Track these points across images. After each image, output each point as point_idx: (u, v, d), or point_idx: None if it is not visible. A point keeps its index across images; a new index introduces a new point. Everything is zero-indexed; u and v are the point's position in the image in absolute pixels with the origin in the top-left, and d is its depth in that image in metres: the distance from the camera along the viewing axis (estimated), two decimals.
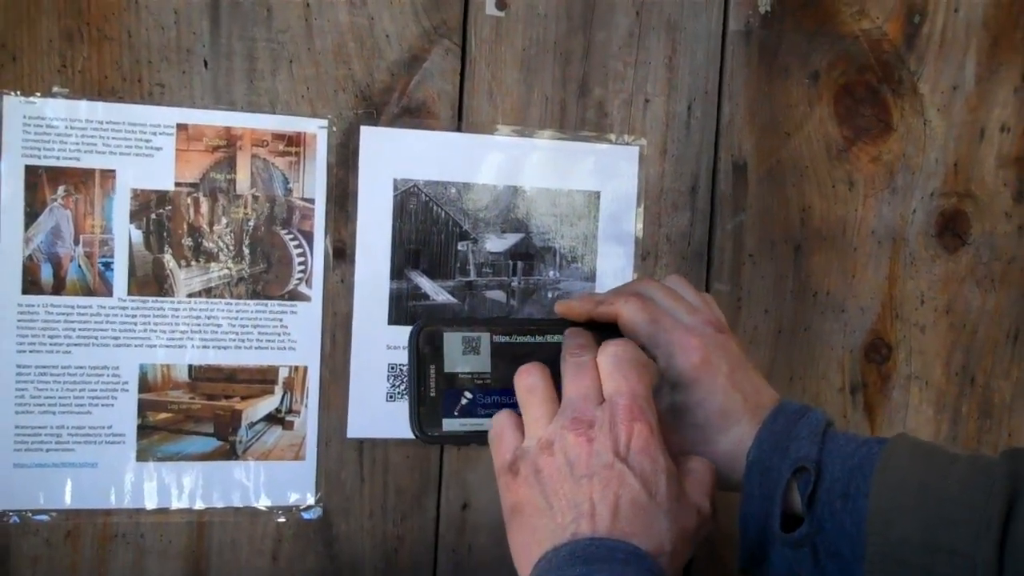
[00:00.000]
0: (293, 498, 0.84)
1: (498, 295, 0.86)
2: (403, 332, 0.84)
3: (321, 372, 0.84)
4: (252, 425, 0.83)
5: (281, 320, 0.82)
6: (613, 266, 0.88)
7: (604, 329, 0.61)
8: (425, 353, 0.56)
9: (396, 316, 0.84)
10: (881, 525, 0.51)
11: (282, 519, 0.84)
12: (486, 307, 0.86)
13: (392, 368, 0.84)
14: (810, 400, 0.95)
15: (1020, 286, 1.00)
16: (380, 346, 0.84)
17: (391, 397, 0.85)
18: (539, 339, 0.59)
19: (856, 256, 0.95)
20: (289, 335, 0.82)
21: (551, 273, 0.87)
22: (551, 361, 0.58)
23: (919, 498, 0.50)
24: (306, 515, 0.85)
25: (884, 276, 0.96)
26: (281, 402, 0.83)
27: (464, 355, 0.58)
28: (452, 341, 0.57)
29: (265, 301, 0.81)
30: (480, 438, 0.58)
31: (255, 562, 0.85)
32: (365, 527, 0.87)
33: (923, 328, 0.98)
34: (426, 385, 0.56)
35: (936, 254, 0.97)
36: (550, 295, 0.87)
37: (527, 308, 0.88)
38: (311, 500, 0.84)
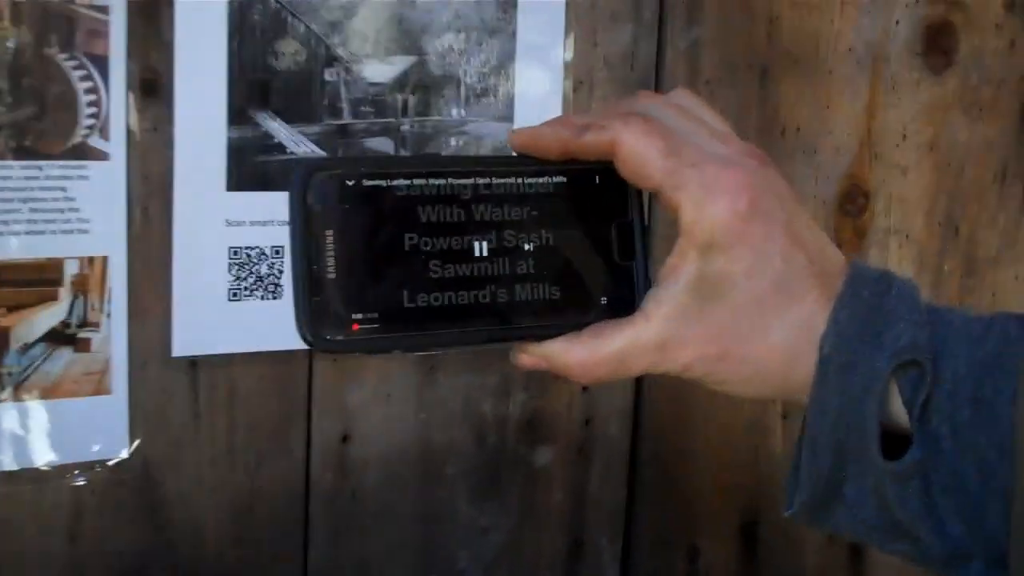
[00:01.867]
0: (96, 450, 0.75)
1: (383, 143, 0.77)
2: (248, 202, 0.75)
3: (130, 264, 0.74)
4: (26, 349, 0.72)
5: (64, 190, 0.71)
6: (535, 99, 0.81)
7: (586, 178, 0.51)
8: (318, 214, 0.46)
9: (239, 178, 0.74)
10: None
11: (81, 482, 0.75)
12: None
13: (236, 254, 0.76)
14: None
15: (1010, 116, 1.02)
16: (216, 222, 0.75)
17: (235, 294, 0.76)
18: (495, 183, 0.49)
19: (831, 81, 0.94)
20: (78, 212, 0.72)
21: (454, 112, 0.79)
22: (531, 224, 0.49)
23: None
24: (117, 473, 0.75)
25: (863, 106, 0.95)
26: (70, 312, 0.73)
27: (380, 215, 0.47)
28: (359, 193, 0.46)
29: (38, 162, 0.71)
30: (410, 342, 0.48)
31: (44, 546, 0.76)
32: (205, 482, 0.79)
33: (904, 170, 0.98)
34: (321, 264, 0.45)
35: (921, 77, 0.97)
36: (453, 142, 0.78)
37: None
38: (124, 452, 0.75)
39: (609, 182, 0.49)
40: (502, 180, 0.48)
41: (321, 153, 0.74)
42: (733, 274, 0.48)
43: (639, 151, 0.47)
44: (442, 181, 0.47)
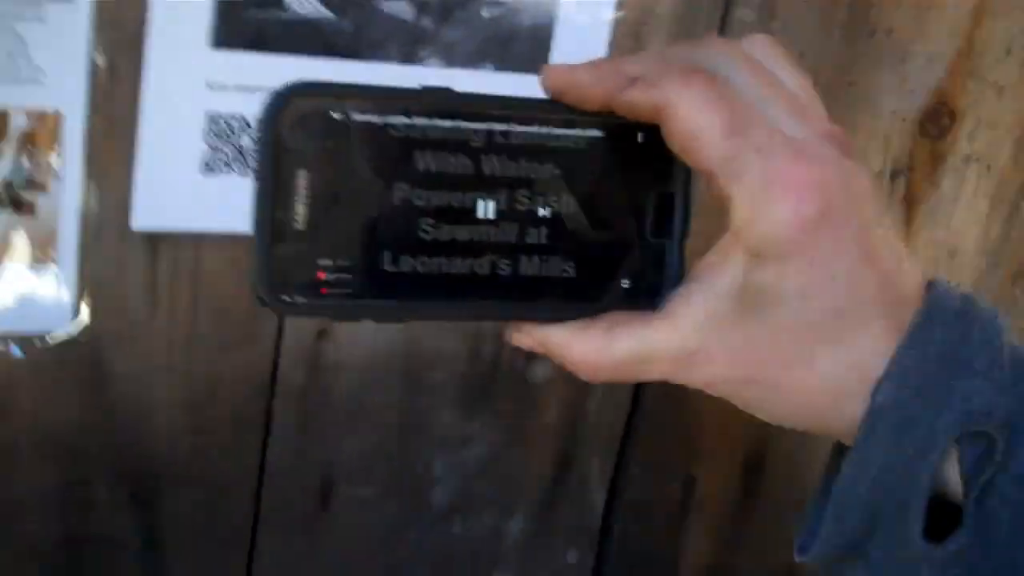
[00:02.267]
0: (36, 323, 0.69)
1: (401, 8, 0.67)
2: (234, 63, 0.65)
3: (88, 121, 0.66)
4: None
5: (15, 31, 0.61)
6: None
7: (627, 135, 0.44)
8: (291, 150, 0.40)
9: (226, 35, 0.64)
10: None
11: (15, 354, 0.70)
12: (379, 28, 0.67)
13: (215, 121, 0.68)
14: None
15: None
16: (195, 83, 0.66)
17: (210, 167, 0.68)
18: (515, 131, 0.43)
19: None
20: (30, 59, 0.62)
21: None
22: (552, 185, 0.43)
23: None
24: (59, 349, 0.70)
25: (968, 9, 0.86)
26: (13, 170, 0.64)
27: (368, 158, 0.41)
28: (344, 129, 0.41)
29: None
30: (385, 312, 0.43)
31: None
32: (158, 365, 0.73)
33: (1001, 90, 0.89)
34: (289, 210, 0.40)
35: None
36: (485, 13, 0.69)
37: (449, 33, 0.68)
38: (67, 327, 0.70)
39: (654, 144, 0.43)
40: (523, 128, 0.42)
41: (326, 14, 0.64)
42: (784, 291, 0.42)
43: (696, 124, 0.41)
44: (450, 123, 0.41)
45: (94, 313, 0.69)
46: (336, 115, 0.40)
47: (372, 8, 0.65)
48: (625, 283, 0.44)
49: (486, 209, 0.42)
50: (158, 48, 0.62)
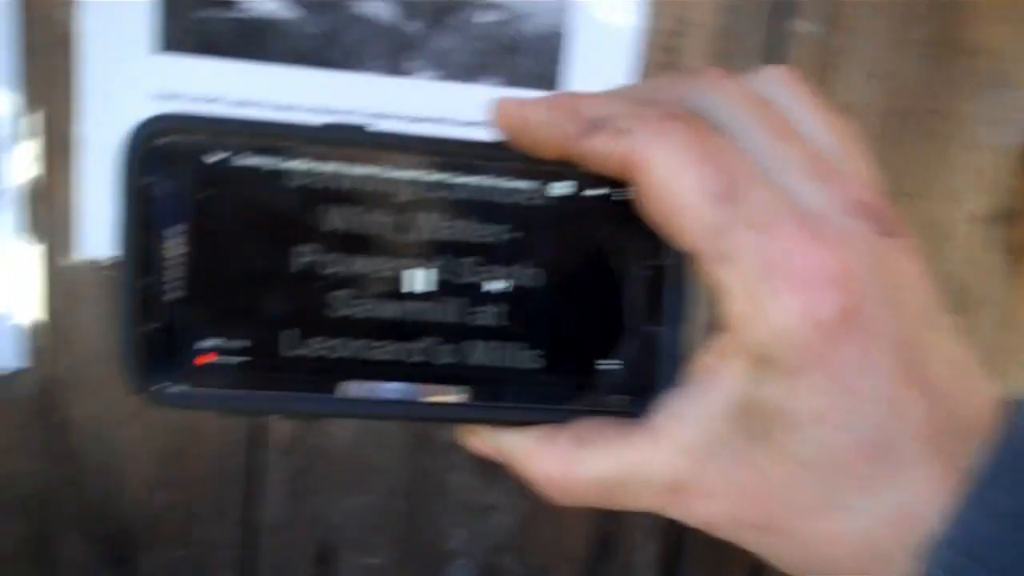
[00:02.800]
0: None
1: (379, 8, 0.60)
2: (184, 69, 0.60)
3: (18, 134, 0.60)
4: None
5: None
6: None
7: (604, 188, 0.35)
8: (160, 201, 0.34)
9: (172, 38, 0.58)
10: None
11: None
12: (355, 31, 0.60)
13: None
14: (924, 235, 0.77)
15: None
16: (139, 94, 0.60)
17: None
18: (456, 182, 0.35)
19: None
20: None
21: None
22: (506, 251, 0.35)
23: None
24: (10, 387, 0.64)
25: None
26: None
27: (260, 212, 0.34)
28: (228, 175, 0.34)
29: None
30: (287, 405, 0.36)
31: None
32: (125, 410, 0.67)
33: None
34: (160, 277, 0.34)
35: None
36: (479, 18, 0.61)
37: (440, 41, 0.61)
38: (20, 363, 0.64)
39: (615, 219, 0.36)
40: (467, 178, 0.35)
41: (289, 14, 0.57)
42: (797, 414, 0.34)
43: (674, 186, 0.33)
44: (368, 169, 0.34)
45: (48, 350, 0.64)
46: (214, 157, 0.33)
47: (343, 8, 0.58)
48: (603, 381, 0.36)
49: (421, 280, 0.35)
50: (94, 55, 0.58)
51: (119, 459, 0.67)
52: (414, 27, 0.60)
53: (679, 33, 0.65)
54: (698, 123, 0.33)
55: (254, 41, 0.57)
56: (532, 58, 0.61)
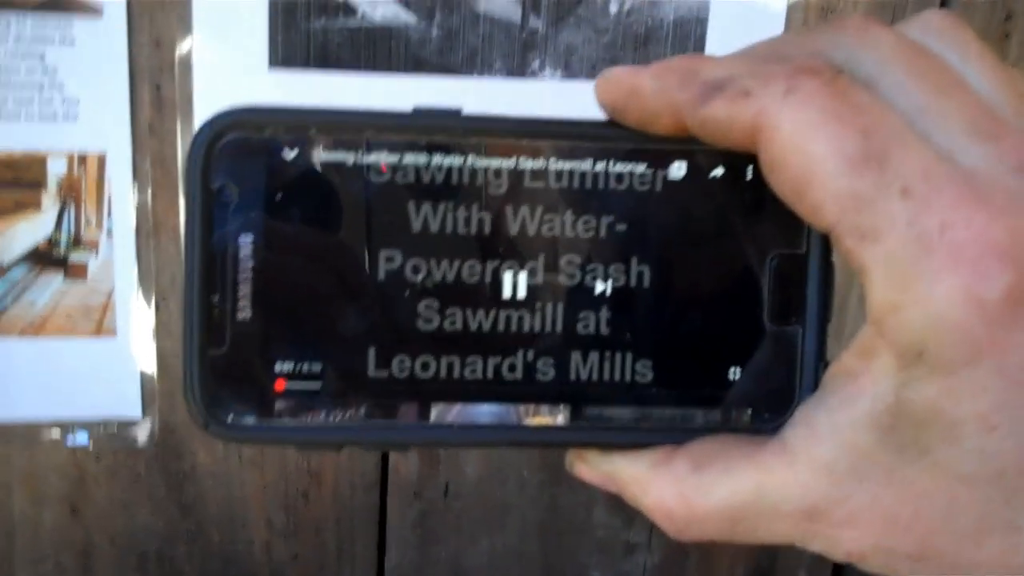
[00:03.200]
0: (97, 407, 0.60)
1: (503, 7, 0.55)
2: (297, 84, 0.56)
3: (136, 165, 0.56)
4: (3, 271, 0.56)
5: (42, 57, 0.53)
6: None
7: (728, 170, 0.31)
8: (229, 207, 0.31)
9: (285, 52, 0.54)
10: None
11: (81, 442, 0.61)
12: (476, 33, 0.55)
13: None
14: None
15: None
16: None
17: None
18: (555, 169, 0.31)
19: None
20: (62, 88, 0.54)
21: None
22: (614, 247, 0.31)
23: None
24: (127, 439, 0.60)
25: None
26: (57, 225, 0.56)
27: (340, 214, 0.31)
28: (304, 174, 0.31)
29: (3, 14, 0.53)
30: (378, 435, 0.32)
31: (37, 517, 0.63)
32: (244, 456, 0.63)
33: None
34: (229, 295, 0.31)
35: None
36: (615, 7, 0.56)
37: (563, 38, 0.56)
38: (134, 411, 0.60)
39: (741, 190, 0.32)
40: (568, 165, 0.31)
41: (407, 18, 0.53)
42: (959, 419, 0.28)
43: (803, 150, 0.27)
44: (458, 159, 0.31)
45: (163, 394, 0.60)
46: (291, 154, 0.30)
47: (466, 8, 0.54)
48: (728, 392, 0.32)
49: (515, 284, 0.31)
50: (205, 72, 0.53)
51: (241, 508, 0.63)
52: (536, 23, 0.55)
53: (832, 9, 0.59)
54: (837, 76, 0.28)
55: (368, 49, 0.53)
56: (669, 49, 0.56)
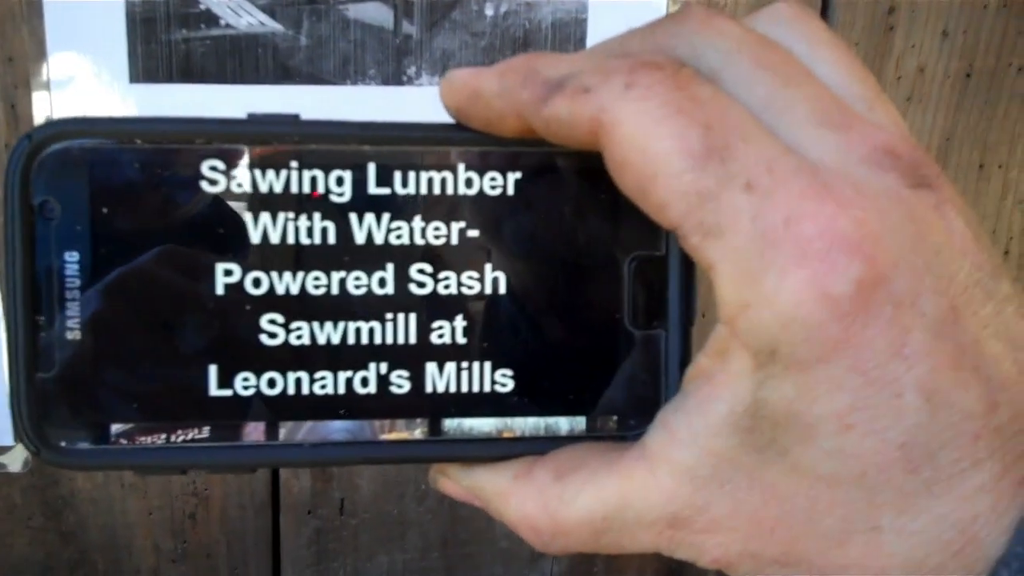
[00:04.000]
0: None
1: (374, 12, 0.54)
2: (160, 98, 0.55)
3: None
4: None
5: None
6: None
7: (585, 169, 0.30)
8: (53, 222, 0.29)
9: (146, 65, 0.52)
10: None
11: None
12: (347, 40, 0.53)
13: None
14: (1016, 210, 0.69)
15: None
16: None
17: None
18: (404, 173, 0.30)
19: None
20: None
21: None
22: (467, 252, 0.30)
23: None
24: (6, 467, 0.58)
25: None
26: None
27: (171, 227, 0.29)
28: (134, 185, 0.29)
29: None
30: (219, 457, 0.30)
31: None
32: (118, 476, 0.62)
33: None
34: (55, 313, 0.29)
35: None
36: (491, 10, 0.55)
37: (438, 43, 0.55)
38: (7, 439, 0.59)
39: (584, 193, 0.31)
40: (418, 169, 0.30)
41: (275, 26, 0.52)
42: (815, 419, 0.28)
43: (643, 146, 0.26)
44: (294, 170, 0.29)
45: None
46: (118, 167, 0.29)
47: (336, 15, 0.52)
48: (587, 399, 0.31)
49: (363, 295, 0.30)
50: (64, 88, 0.51)
51: (125, 534, 0.62)
52: (410, 28, 0.54)
53: (716, 5, 0.59)
54: (679, 70, 0.27)
55: (235, 60, 0.52)
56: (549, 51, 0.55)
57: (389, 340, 0.30)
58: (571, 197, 0.30)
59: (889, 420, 0.27)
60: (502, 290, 0.30)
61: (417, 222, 0.30)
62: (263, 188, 0.29)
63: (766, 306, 0.26)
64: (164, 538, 0.62)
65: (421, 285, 0.29)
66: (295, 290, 0.29)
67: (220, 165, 0.29)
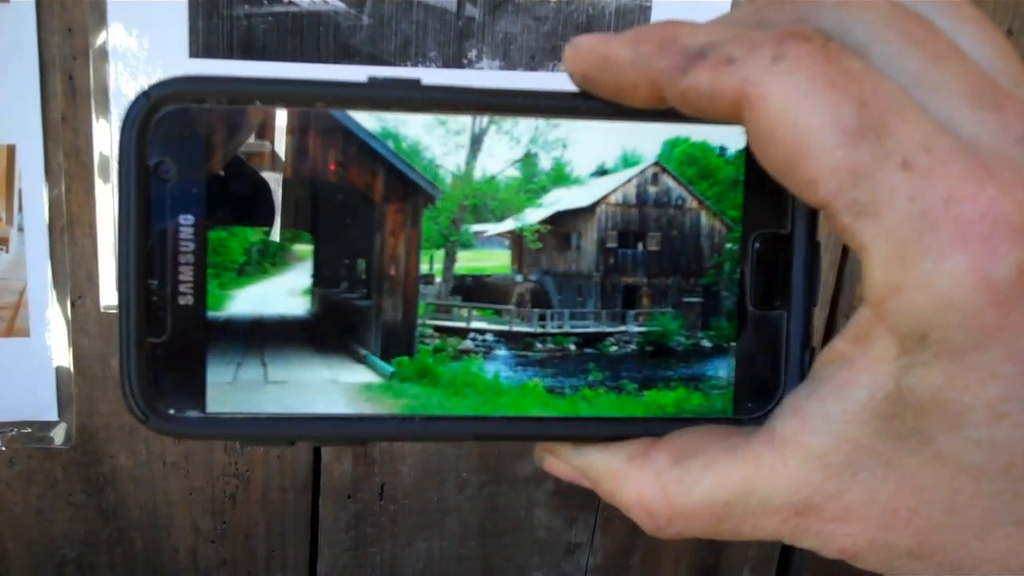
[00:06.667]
0: (10, 413, 0.57)
1: None
2: (217, 73, 0.51)
3: (49, 157, 0.53)
4: None
5: None
6: None
7: (699, 151, 0.30)
8: (166, 183, 0.28)
9: (207, 40, 0.51)
10: None
11: None
12: (409, 22, 0.53)
13: None
14: None
15: None
16: None
17: None
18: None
19: None
20: None
21: None
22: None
23: None
24: (42, 442, 0.57)
25: None
26: None
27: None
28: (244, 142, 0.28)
29: None
30: (340, 429, 0.30)
31: None
32: (167, 458, 0.61)
33: None
34: (168, 279, 0.28)
35: None
36: (557, 1, 0.53)
37: (501, 26, 0.54)
38: (51, 414, 0.57)
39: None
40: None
41: (338, 5, 0.51)
42: (964, 408, 0.27)
43: (794, 121, 0.26)
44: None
45: (80, 397, 0.57)
46: (233, 128, 0.28)
47: None
48: (708, 380, 0.31)
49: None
50: (122, 61, 0.51)
51: (165, 513, 0.61)
52: (472, 11, 0.53)
53: None
54: (825, 42, 0.26)
55: (297, 38, 0.51)
56: None
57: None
58: (699, 170, 0.30)
59: None
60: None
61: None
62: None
63: (921, 289, 0.25)
64: (203, 518, 0.61)
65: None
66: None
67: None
